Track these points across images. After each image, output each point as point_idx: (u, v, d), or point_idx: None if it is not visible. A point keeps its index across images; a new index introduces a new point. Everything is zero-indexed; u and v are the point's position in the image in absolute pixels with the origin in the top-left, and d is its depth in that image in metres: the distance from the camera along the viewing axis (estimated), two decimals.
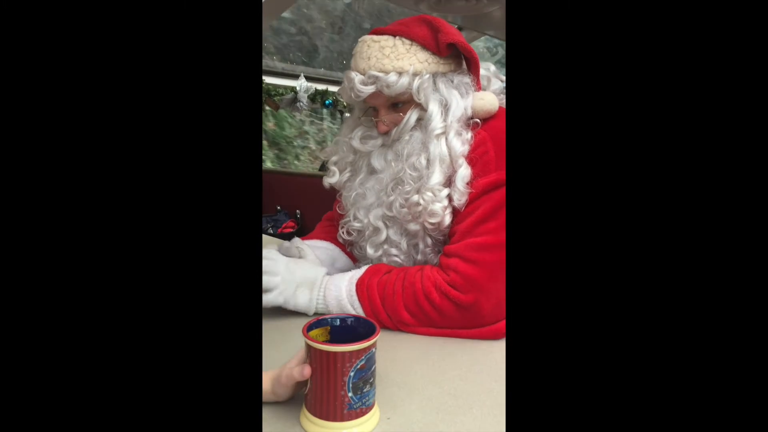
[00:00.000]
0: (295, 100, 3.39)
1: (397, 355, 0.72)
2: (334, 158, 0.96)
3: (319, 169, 3.75)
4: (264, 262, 0.82)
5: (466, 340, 0.78)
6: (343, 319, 0.59)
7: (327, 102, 3.55)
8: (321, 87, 3.55)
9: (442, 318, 0.78)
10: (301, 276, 0.84)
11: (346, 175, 0.94)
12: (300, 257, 0.92)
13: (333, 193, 1.00)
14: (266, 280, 0.81)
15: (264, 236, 1.41)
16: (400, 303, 0.79)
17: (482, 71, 0.88)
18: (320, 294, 0.83)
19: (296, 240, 0.97)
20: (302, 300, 0.83)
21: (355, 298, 0.81)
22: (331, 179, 0.95)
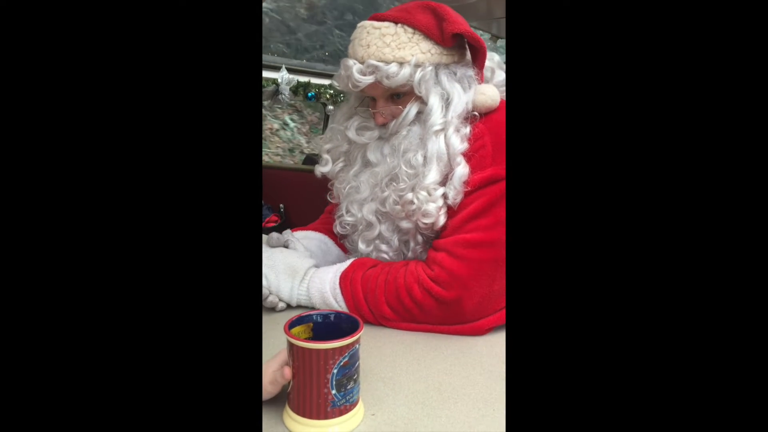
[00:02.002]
0: (276, 92, 3.34)
1: (381, 350, 0.71)
2: (327, 146, 0.92)
3: (303, 163, 3.72)
4: None
5: (450, 334, 0.78)
6: (325, 316, 0.58)
7: (309, 94, 3.51)
8: (303, 79, 3.51)
9: (423, 314, 0.77)
10: (284, 264, 0.82)
11: (339, 164, 0.91)
12: (287, 248, 0.90)
13: (318, 187, 0.97)
14: None
15: None
16: (382, 298, 0.78)
17: (486, 62, 0.84)
18: (303, 286, 0.82)
19: (287, 232, 0.95)
20: (284, 288, 0.82)
21: (339, 291, 0.80)
22: (324, 168, 0.92)
